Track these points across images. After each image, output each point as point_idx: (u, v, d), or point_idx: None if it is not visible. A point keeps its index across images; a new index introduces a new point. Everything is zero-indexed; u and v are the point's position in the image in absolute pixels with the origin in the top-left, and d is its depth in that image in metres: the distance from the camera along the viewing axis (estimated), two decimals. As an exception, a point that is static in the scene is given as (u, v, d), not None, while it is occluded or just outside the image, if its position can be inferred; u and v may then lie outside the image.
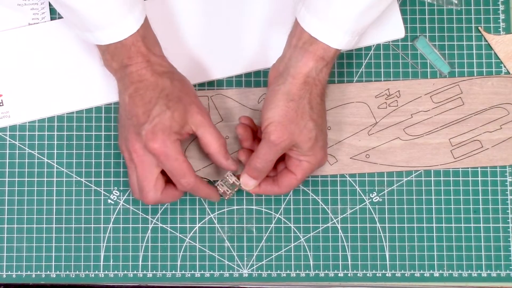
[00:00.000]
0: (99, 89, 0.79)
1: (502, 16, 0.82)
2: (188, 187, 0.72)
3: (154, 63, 0.71)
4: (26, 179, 0.79)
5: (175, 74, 0.73)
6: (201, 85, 0.80)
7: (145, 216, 0.79)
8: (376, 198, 0.79)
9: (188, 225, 0.79)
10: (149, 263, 0.78)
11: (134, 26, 0.70)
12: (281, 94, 0.70)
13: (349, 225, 0.79)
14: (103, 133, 0.79)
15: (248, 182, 0.74)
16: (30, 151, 0.79)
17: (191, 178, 0.71)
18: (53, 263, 0.78)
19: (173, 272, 0.78)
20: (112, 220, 0.79)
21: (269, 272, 0.79)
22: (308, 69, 0.70)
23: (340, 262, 0.79)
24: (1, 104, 0.79)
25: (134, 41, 0.70)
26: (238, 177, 0.75)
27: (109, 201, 0.79)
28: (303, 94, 0.70)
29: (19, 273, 0.78)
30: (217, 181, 0.76)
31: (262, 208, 0.79)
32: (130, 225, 0.79)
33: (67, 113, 0.80)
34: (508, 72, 0.81)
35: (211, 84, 0.80)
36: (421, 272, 0.79)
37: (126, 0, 0.69)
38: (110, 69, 0.73)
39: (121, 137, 0.73)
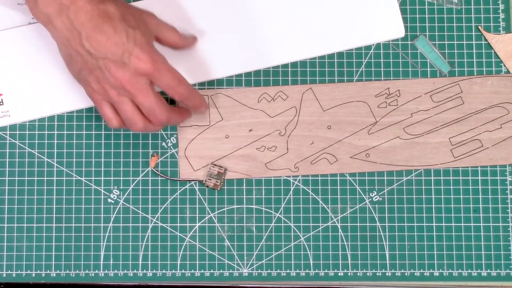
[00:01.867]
0: (99, 88, 0.79)
1: (502, 16, 0.82)
2: (186, 93, 0.71)
3: None
4: (26, 178, 0.79)
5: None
6: (201, 84, 0.80)
7: (145, 215, 0.79)
8: (376, 198, 0.79)
9: (188, 225, 0.79)
10: (149, 262, 0.78)
11: None
12: None
13: (349, 224, 0.79)
14: (103, 132, 0.79)
15: None
16: (30, 150, 0.79)
17: (186, 84, 0.71)
18: (53, 262, 0.78)
19: (173, 271, 0.78)
20: (112, 219, 0.79)
21: (269, 271, 0.79)
22: None
23: (340, 261, 0.79)
24: (1, 103, 0.79)
25: None
26: (220, 166, 0.76)
27: (109, 200, 0.79)
28: None
29: (19, 272, 0.78)
30: (203, 180, 0.78)
31: (262, 207, 0.79)
32: (130, 224, 0.79)
33: (67, 112, 0.80)
34: (508, 72, 0.81)
35: (211, 83, 0.80)
36: (421, 271, 0.79)
37: None
38: (44, 18, 0.69)
39: (95, 83, 0.71)
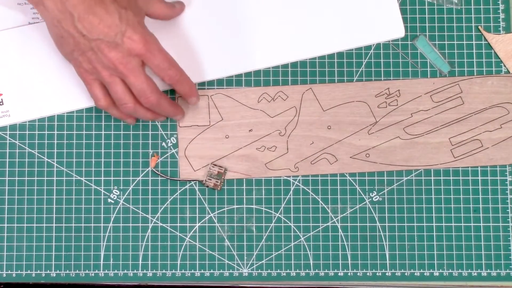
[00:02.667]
0: (99, 88, 0.79)
1: (502, 16, 0.82)
2: (176, 77, 0.72)
3: None
4: (26, 178, 0.79)
5: None
6: (201, 84, 0.80)
7: (145, 215, 0.79)
8: (376, 198, 0.79)
9: (188, 224, 0.79)
10: (149, 262, 0.78)
11: None
12: None
13: (349, 224, 0.79)
14: (103, 132, 0.79)
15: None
16: (30, 150, 0.79)
17: (177, 67, 0.73)
18: (53, 262, 0.78)
19: (173, 271, 0.78)
20: (112, 219, 0.79)
21: (269, 271, 0.79)
22: None
23: (340, 261, 0.79)
24: (1, 103, 0.79)
25: None
26: (220, 166, 0.76)
27: (109, 200, 0.79)
28: None
29: (19, 272, 0.78)
30: (203, 180, 0.77)
31: (262, 207, 0.79)
32: (130, 224, 0.79)
33: (67, 112, 0.80)
34: (508, 72, 0.81)
35: (211, 83, 0.80)
36: (421, 271, 0.79)
37: None
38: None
39: (87, 63, 0.71)
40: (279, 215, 0.79)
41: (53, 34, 0.72)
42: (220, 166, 0.78)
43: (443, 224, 0.79)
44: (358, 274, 0.79)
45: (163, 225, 0.79)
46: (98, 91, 0.73)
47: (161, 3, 0.76)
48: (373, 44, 0.81)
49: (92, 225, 0.78)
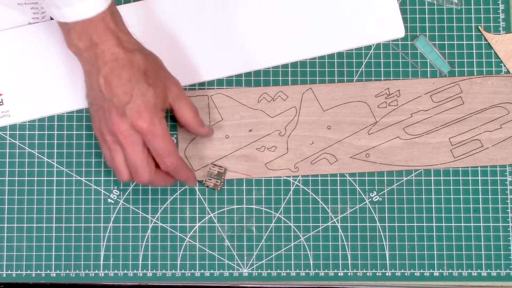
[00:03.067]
0: (99, 88, 0.79)
1: (502, 16, 0.82)
2: (171, 167, 0.71)
3: (124, 40, 0.70)
4: (26, 178, 0.79)
5: (144, 49, 0.72)
6: (201, 84, 0.80)
7: (145, 215, 0.79)
8: (376, 198, 0.79)
9: (188, 225, 0.79)
10: (149, 262, 0.78)
11: (103, 4, 0.68)
12: None
13: (349, 224, 0.79)
14: (103, 132, 0.79)
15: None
16: (30, 150, 0.79)
17: (175, 158, 0.71)
18: (53, 262, 0.78)
19: (173, 271, 0.78)
20: (112, 219, 0.79)
21: (269, 271, 0.79)
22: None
23: (340, 261, 0.79)
24: (1, 103, 0.79)
25: (103, 17, 0.68)
26: (220, 166, 0.76)
27: (109, 200, 0.79)
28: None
29: (19, 272, 0.78)
30: (203, 180, 0.77)
31: (262, 207, 0.79)
32: (130, 224, 0.79)
33: (67, 112, 0.80)
34: (508, 72, 0.81)
35: (211, 83, 0.80)
36: (421, 271, 0.79)
37: None
38: (75, 49, 0.70)
39: (98, 120, 0.71)
40: (279, 215, 0.79)
41: (85, 82, 0.73)
42: (220, 166, 0.78)
43: (443, 224, 0.79)
44: (358, 274, 0.79)
45: (163, 225, 0.79)
46: (105, 151, 0.72)
47: (191, 110, 0.74)
48: (373, 44, 0.81)
49: (92, 225, 0.78)
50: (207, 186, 0.78)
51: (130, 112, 0.68)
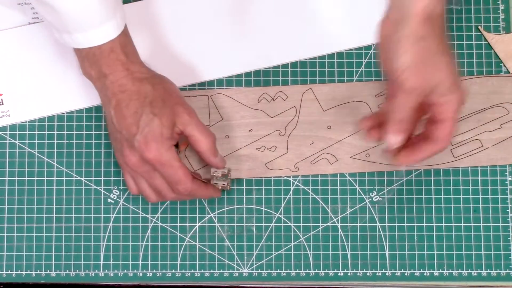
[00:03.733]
0: (99, 88, 0.79)
1: (502, 16, 0.82)
2: (185, 193, 0.71)
3: (133, 70, 0.70)
4: (26, 178, 0.79)
5: (155, 77, 0.72)
6: (201, 84, 0.80)
7: (145, 215, 0.79)
8: (376, 198, 0.79)
9: (188, 224, 0.79)
10: (149, 262, 0.78)
11: (115, 31, 0.68)
12: (407, 37, 0.65)
13: (349, 224, 0.79)
14: (103, 132, 0.79)
15: (393, 140, 0.68)
16: (30, 150, 0.79)
17: (187, 184, 0.71)
18: (53, 262, 0.78)
19: (173, 271, 0.78)
20: (112, 219, 0.79)
21: (269, 271, 0.79)
22: (426, 3, 0.64)
23: (340, 261, 0.79)
24: (1, 103, 0.79)
25: (113, 48, 0.69)
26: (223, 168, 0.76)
27: (109, 200, 0.79)
28: (430, 30, 0.65)
29: (19, 272, 0.78)
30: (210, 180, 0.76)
31: (262, 207, 0.79)
32: (130, 224, 0.79)
33: (67, 112, 0.80)
34: (508, 72, 0.81)
35: (211, 83, 0.80)
36: (421, 271, 0.79)
37: (108, 4, 0.67)
38: (89, 77, 0.72)
39: (116, 150, 0.73)
40: (279, 215, 0.79)
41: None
42: (223, 169, 0.76)
43: (443, 224, 0.79)
44: (358, 274, 0.79)
45: (163, 225, 0.79)
46: (129, 178, 0.74)
47: (202, 136, 0.72)
48: (373, 44, 0.81)
49: (92, 225, 0.78)
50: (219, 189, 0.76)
51: (138, 144, 0.69)
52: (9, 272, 0.78)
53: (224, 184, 0.75)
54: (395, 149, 0.69)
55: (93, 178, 0.79)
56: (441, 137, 0.68)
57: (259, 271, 0.79)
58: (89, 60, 0.70)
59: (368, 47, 0.81)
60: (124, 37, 0.70)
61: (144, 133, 0.69)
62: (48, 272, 0.78)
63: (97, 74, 0.70)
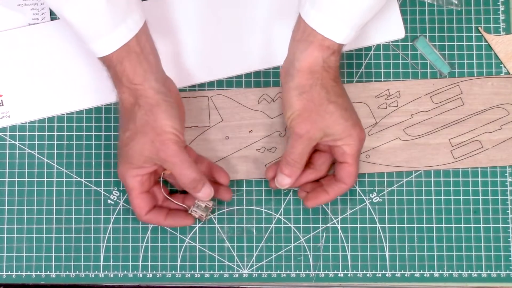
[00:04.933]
0: (99, 89, 0.79)
1: (502, 17, 0.82)
2: (145, 222, 0.74)
3: (128, 88, 0.70)
4: (26, 179, 0.79)
5: (142, 106, 0.69)
6: (201, 85, 0.80)
7: (145, 216, 0.79)
8: (376, 199, 0.79)
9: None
10: (149, 263, 0.78)
11: (114, 45, 0.68)
12: (292, 90, 0.70)
13: (349, 225, 0.79)
14: (103, 133, 0.79)
15: (282, 181, 0.73)
16: (30, 151, 0.79)
17: (140, 216, 0.73)
18: (53, 263, 0.78)
19: (173, 272, 0.78)
20: (112, 220, 0.79)
21: (269, 272, 0.79)
22: (313, 58, 0.69)
23: (340, 262, 0.79)
24: (1, 104, 0.79)
25: (115, 60, 0.69)
26: (208, 202, 0.74)
27: (109, 201, 0.79)
28: (313, 83, 0.69)
29: (19, 273, 0.78)
30: (190, 208, 0.74)
31: (262, 208, 0.79)
32: (130, 225, 0.79)
33: (67, 113, 0.80)
34: (508, 73, 0.81)
35: (211, 84, 0.80)
36: (421, 272, 0.79)
37: (116, 13, 0.67)
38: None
39: None
40: (279, 216, 0.79)
41: None
42: (208, 202, 0.74)
43: (443, 225, 0.79)
44: (358, 275, 0.79)
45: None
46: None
47: (181, 171, 0.70)
48: (373, 45, 0.81)
49: (92, 226, 0.78)
50: (194, 217, 0.75)
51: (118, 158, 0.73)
52: (9, 273, 0.78)
53: (202, 215, 0.74)
54: (303, 193, 0.76)
55: (93, 179, 0.79)
56: (344, 177, 0.73)
57: (259, 272, 0.79)
58: (106, 70, 0.71)
59: (368, 48, 0.81)
60: (130, 49, 0.69)
61: (119, 152, 0.71)
62: (48, 273, 0.78)
63: (111, 84, 0.72)
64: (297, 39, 0.71)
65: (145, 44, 0.70)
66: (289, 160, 0.72)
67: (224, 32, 0.80)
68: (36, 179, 0.79)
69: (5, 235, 0.78)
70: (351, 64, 0.81)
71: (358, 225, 0.79)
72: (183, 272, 0.78)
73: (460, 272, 0.79)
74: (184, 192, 0.74)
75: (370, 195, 0.79)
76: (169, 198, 0.74)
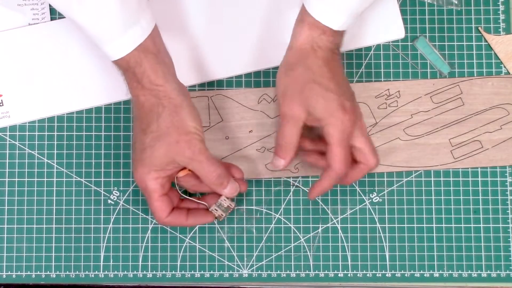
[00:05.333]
0: (99, 89, 0.79)
1: (502, 16, 0.82)
2: (164, 225, 0.74)
3: (149, 90, 0.69)
4: (26, 179, 0.79)
5: (167, 107, 0.69)
6: (201, 85, 0.80)
7: (145, 216, 0.79)
8: (376, 199, 0.79)
9: (188, 225, 0.79)
10: (149, 263, 0.78)
11: (129, 46, 0.68)
12: (281, 67, 0.71)
13: (349, 225, 0.79)
14: (103, 133, 0.79)
15: (276, 163, 0.72)
16: (30, 151, 0.79)
17: (160, 219, 0.71)
18: (53, 263, 0.78)
19: (173, 272, 0.78)
20: (112, 220, 0.79)
21: (269, 272, 0.79)
22: (303, 38, 0.69)
23: (340, 262, 0.79)
24: (1, 104, 0.79)
25: (133, 62, 0.68)
26: (232, 199, 0.74)
27: (109, 201, 0.79)
28: (300, 61, 0.69)
29: (19, 273, 0.78)
30: (212, 206, 0.74)
31: (262, 208, 0.79)
32: (130, 225, 0.79)
33: (67, 113, 0.80)
34: (508, 73, 0.81)
35: (211, 84, 0.80)
36: (421, 272, 0.79)
37: (130, 14, 0.67)
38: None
39: None
40: (279, 216, 0.79)
41: None
42: (232, 200, 0.74)
43: (443, 225, 0.79)
44: (358, 275, 0.79)
45: (163, 226, 0.79)
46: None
47: (203, 173, 0.70)
48: (373, 45, 0.81)
49: (92, 226, 0.78)
50: (215, 217, 0.74)
51: (132, 161, 0.72)
52: (9, 273, 0.78)
53: (222, 215, 0.74)
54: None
55: (93, 179, 0.79)
56: (330, 161, 0.70)
57: (259, 272, 0.79)
58: (121, 71, 0.70)
59: (368, 48, 0.81)
60: (143, 51, 0.68)
61: (136, 156, 0.70)
62: (48, 273, 0.78)
63: (126, 86, 0.71)
64: (296, 20, 0.71)
65: (160, 44, 0.70)
66: (280, 141, 0.71)
67: (224, 32, 0.80)
68: (36, 179, 0.79)
69: (5, 235, 0.78)
70: (351, 64, 0.81)
71: (358, 225, 0.79)
72: (183, 272, 0.78)
73: (460, 272, 0.79)
74: (193, 195, 0.75)
75: (370, 195, 0.79)
76: (187, 197, 0.74)
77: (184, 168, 0.71)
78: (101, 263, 0.78)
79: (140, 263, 0.78)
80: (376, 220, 0.79)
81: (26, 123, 0.79)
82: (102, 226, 0.78)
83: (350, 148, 0.70)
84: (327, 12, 0.68)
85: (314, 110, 0.69)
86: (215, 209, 0.74)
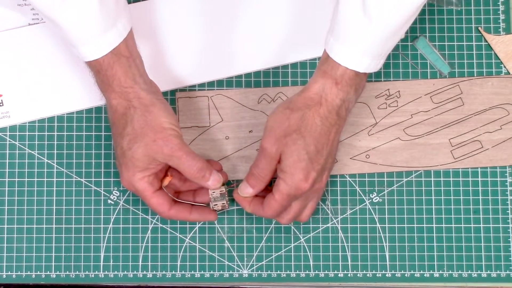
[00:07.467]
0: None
1: (502, 16, 0.82)
2: (169, 219, 0.73)
3: (119, 93, 0.69)
4: (26, 179, 0.79)
5: (138, 107, 0.69)
6: (201, 85, 0.80)
7: (145, 216, 0.79)
8: (376, 199, 0.79)
9: (188, 225, 0.79)
10: (149, 263, 0.78)
11: (105, 49, 0.68)
12: (284, 102, 0.70)
13: (349, 225, 0.79)
14: (103, 133, 0.79)
15: (244, 189, 0.72)
16: (30, 151, 0.79)
17: (163, 213, 0.71)
18: (53, 263, 0.78)
19: (173, 272, 0.78)
20: (112, 220, 0.79)
21: (269, 272, 0.79)
22: (315, 87, 0.69)
23: (340, 263, 0.79)
24: (1, 104, 0.79)
25: (106, 64, 0.68)
26: (222, 184, 0.73)
27: (109, 201, 0.79)
28: (302, 108, 0.69)
29: (19, 273, 0.78)
30: (210, 204, 0.74)
31: (262, 208, 0.79)
32: (130, 226, 0.79)
33: (67, 113, 0.80)
34: (508, 73, 0.81)
35: (211, 84, 0.80)
36: (421, 272, 0.79)
37: (107, 17, 0.67)
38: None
39: None
40: (279, 216, 0.79)
41: None
42: (220, 189, 0.73)
43: (443, 225, 0.79)
44: (358, 275, 0.79)
45: (163, 226, 0.79)
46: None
47: (183, 167, 0.70)
48: (373, 45, 0.81)
49: (92, 226, 0.78)
50: (218, 210, 0.74)
51: (118, 168, 0.72)
52: (9, 273, 0.78)
53: (223, 203, 0.74)
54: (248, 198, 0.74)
55: (93, 179, 0.79)
56: (265, 204, 0.71)
57: (259, 272, 0.79)
58: (92, 72, 0.71)
59: (368, 48, 0.81)
60: (118, 54, 0.69)
61: (119, 160, 0.70)
62: (48, 273, 0.78)
63: (99, 89, 0.71)
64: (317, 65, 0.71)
65: (132, 47, 0.70)
66: (253, 171, 0.71)
67: (224, 32, 0.80)
68: (36, 179, 0.79)
69: (5, 235, 0.78)
70: (351, 64, 0.81)
71: (358, 225, 0.79)
72: (183, 272, 0.78)
73: (460, 272, 0.79)
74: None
75: (370, 195, 0.79)
76: (178, 200, 0.74)
77: (166, 176, 0.72)
78: (101, 263, 0.78)
79: (140, 263, 0.78)
80: (376, 220, 0.79)
81: (26, 123, 0.79)
82: (102, 226, 0.78)
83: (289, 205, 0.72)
84: (343, 51, 0.68)
85: (284, 160, 0.69)
86: (214, 205, 0.74)
